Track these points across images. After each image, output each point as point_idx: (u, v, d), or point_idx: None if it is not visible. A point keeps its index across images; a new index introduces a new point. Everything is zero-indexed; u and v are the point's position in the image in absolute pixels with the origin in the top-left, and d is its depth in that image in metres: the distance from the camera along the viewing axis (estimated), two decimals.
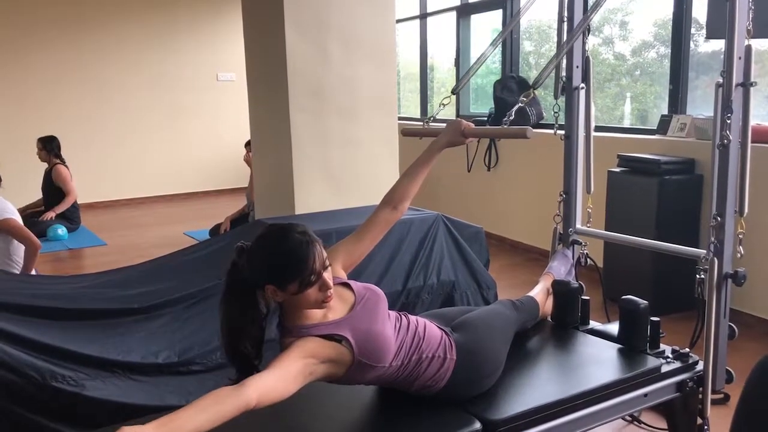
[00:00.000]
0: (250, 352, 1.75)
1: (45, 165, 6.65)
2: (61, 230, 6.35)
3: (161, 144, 8.67)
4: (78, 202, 6.73)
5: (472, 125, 2.24)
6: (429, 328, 2.02)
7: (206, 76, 8.84)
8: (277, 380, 1.66)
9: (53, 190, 6.55)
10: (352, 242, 2.09)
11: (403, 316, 2.02)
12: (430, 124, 2.74)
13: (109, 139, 8.35)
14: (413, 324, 2.00)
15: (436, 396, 2.01)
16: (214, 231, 5.89)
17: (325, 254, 1.78)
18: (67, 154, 6.78)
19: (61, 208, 6.48)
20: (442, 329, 2.07)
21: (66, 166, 6.61)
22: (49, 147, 6.60)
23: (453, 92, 2.81)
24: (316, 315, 1.83)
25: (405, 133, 2.81)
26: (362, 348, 1.82)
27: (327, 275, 1.77)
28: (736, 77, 2.29)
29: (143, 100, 8.49)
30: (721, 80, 2.34)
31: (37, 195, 6.82)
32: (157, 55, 8.52)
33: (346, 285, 1.97)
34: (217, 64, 8.85)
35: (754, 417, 1.46)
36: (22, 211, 5.47)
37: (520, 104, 2.40)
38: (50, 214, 6.41)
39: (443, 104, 2.70)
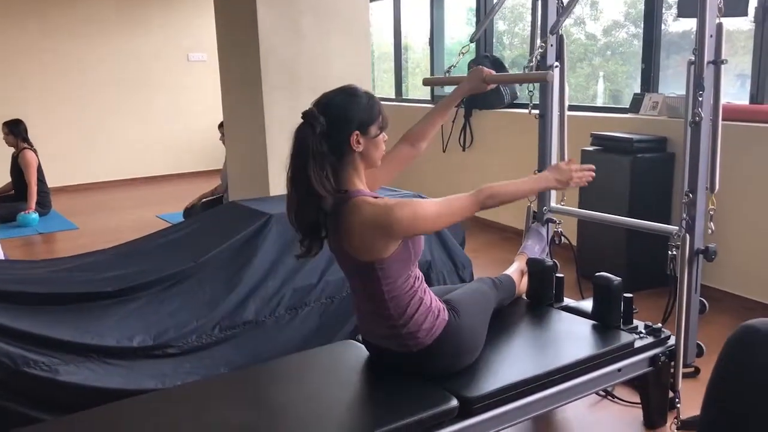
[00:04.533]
0: (322, 219, 1.92)
1: (12, 149, 6.52)
2: (33, 216, 6.23)
3: (133, 126, 8.54)
4: (48, 186, 6.61)
5: (493, 72, 2.42)
6: (428, 288, 2.09)
7: (177, 56, 8.71)
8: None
9: (22, 174, 6.43)
10: (369, 174, 2.12)
11: None
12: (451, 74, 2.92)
13: (80, 122, 8.20)
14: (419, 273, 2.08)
15: (417, 363, 2.02)
16: (188, 212, 5.83)
17: None
18: (35, 137, 6.64)
19: (31, 201, 6.34)
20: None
21: (34, 151, 6.48)
22: (16, 131, 6.46)
23: (471, 41, 2.97)
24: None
25: (426, 82, 3.05)
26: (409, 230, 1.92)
27: None
28: (708, 55, 2.32)
29: (113, 82, 8.34)
30: (693, 58, 2.36)
31: (5, 179, 6.70)
32: (128, 37, 8.36)
33: None
34: (188, 44, 8.71)
35: (728, 387, 1.49)
36: None
37: (540, 49, 2.79)
38: (31, 208, 6.29)
39: (462, 52, 2.88)
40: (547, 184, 2.22)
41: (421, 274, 2.07)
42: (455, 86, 2.51)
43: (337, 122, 1.89)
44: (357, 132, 1.90)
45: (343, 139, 1.90)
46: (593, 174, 2.26)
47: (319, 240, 1.98)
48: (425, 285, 2.06)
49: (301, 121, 1.90)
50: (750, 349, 1.47)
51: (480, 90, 2.46)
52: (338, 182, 1.92)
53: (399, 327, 1.98)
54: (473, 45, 5.79)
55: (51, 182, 6.77)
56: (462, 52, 2.87)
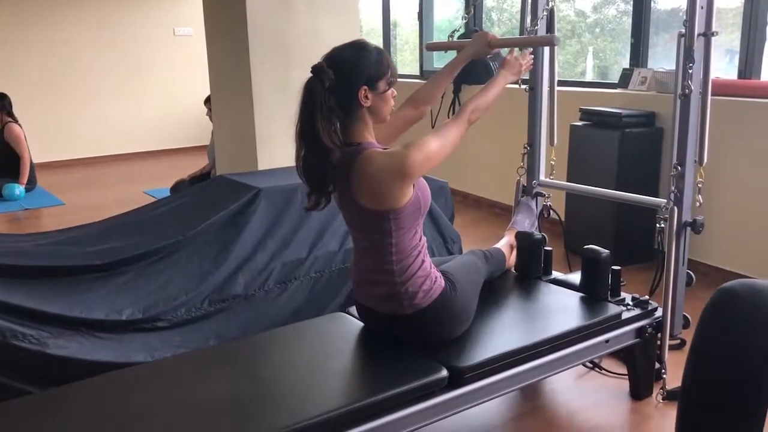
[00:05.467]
0: (329, 172, 1.92)
1: None
2: (18, 190, 6.18)
3: (118, 102, 8.45)
4: (33, 162, 6.54)
5: (498, 36, 2.43)
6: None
7: (163, 31, 8.60)
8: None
9: (6, 149, 6.35)
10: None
11: None
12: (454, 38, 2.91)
13: (64, 97, 8.10)
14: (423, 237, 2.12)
15: (409, 326, 2.03)
16: (176, 189, 5.78)
17: None
18: (20, 112, 6.56)
19: (24, 175, 6.29)
20: None
21: (19, 125, 6.40)
22: (1, 105, 6.38)
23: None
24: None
25: (429, 47, 3.08)
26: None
27: None
28: (698, 27, 2.31)
29: (98, 56, 8.23)
30: (683, 30, 2.36)
31: None
32: (112, 10, 8.23)
33: None
34: (173, 18, 8.61)
35: (708, 347, 1.51)
36: None
37: (545, 12, 2.84)
38: (23, 183, 6.25)
39: (465, 18, 3.07)
40: (506, 80, 2.32)
41: (424, 237, 2.09)
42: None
43: (346, 77, 1.91)
44: (365, 87, 1.92)
45: (352, 93, 1.92)
46: (531, 57, 2.48)
47: (327, 194, 2.00)
48: (426, 250, 2.08)
49: (310, 75, 1.91)
50: (728, 310, 1.49)
51: (484, 54, 2.48)
52: (347, 136, 1.94)
53: (398, 285, 1.99)
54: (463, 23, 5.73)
55: (36, 158, 6.71)
56: (464, 17, 2.85)
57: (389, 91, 1.99)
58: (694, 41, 2.31)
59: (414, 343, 2.04)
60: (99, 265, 2.56)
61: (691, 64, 2.33)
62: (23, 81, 7.69)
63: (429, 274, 2.03)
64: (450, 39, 2.92)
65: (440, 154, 1.98)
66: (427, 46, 3.14)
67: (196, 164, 6.10)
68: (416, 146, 1.90)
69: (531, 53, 2.52)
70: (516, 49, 2.46)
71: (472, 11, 5.17)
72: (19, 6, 7.71)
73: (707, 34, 2.33)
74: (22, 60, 7.79)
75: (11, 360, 2.22)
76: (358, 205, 1.96)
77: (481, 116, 2.15)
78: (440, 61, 6.75)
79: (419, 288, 2.00)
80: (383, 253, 1.99)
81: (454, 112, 5.73)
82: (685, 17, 2.35)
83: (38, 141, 7.07)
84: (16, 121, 6.41)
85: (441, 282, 2.06)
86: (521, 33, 2.98)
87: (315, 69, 1.90)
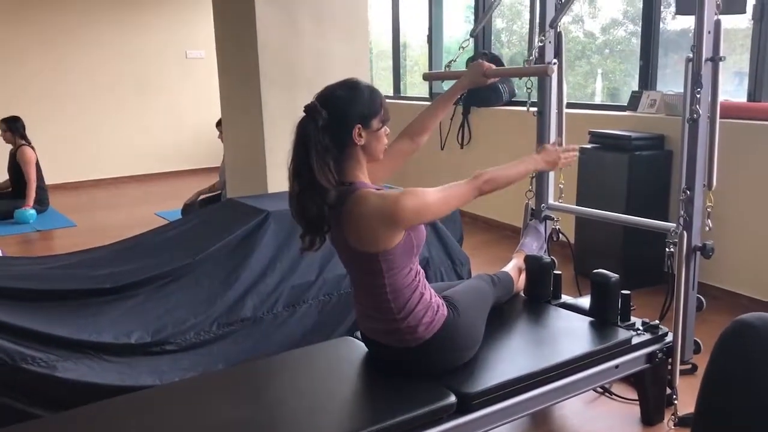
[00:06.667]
0: (325, 213, 1.90)
1: (9, 146, 6.50)
2: (30, 214, 6.22)
3: (131, 123, 8.52)
4: (46, 183, 6.60)
5: (493, 66, 2.42)
6: (428, 284, 2.09)
7: (175, 53, 8.69)
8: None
9: (19, 171, 6.41)
10: (368, 169, 2.11)
11: None
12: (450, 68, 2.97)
13: (78, 119, 8.18)
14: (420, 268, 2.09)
15: (415, 358, 2.01)
16: (186, 210, 5.82)
17: None
18: (33, 134, 6.63)
19: (30, 197, 6.33)
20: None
21: (32, 148, 6.47)
22: (14, 127, 6.45)
23: (471, 35, 3.03)
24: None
25: (426, 77, 3.09)
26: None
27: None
28: (706, 52, 2.32)
29: (111, 79, 8.32)
30: (691, 55, 2.36)
31: (3, 176, 6.68)
32: (125, 32, 8.34)
33: None
34: (185, 41, 8.70)
35: (721, 381, 1.49)
36: None
37: (539, 43, 2.85)
38: (29, 204, 6.28)
39: (463, 47, 2.92)
40: (536, 166, 2.29)
41: (421, 269, 2.07)
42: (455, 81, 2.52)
43: (339, 116, 1.90)
44: (359, 125, 1.92)
45: (345, 132, 1.91)
46: (577, 153, 2.37)
47: (322, 234, 1.98)
48: (425, 280, 2.06)
49: (303, 114, 1.90)
50: (743, 344, 1.47)
51: (480, 84, 2.47)
52: (341, 175, 1.93)
53: (398, 321, 1.97)
54: (472, 42, 5.79)
55: (49, 179, 6.76)
56: (462, 47, 2.88)
57: (382, 129, 1.99)
58: (701, 66, 2.31)
59: (421, 372, 2.03)
60: (108, 288, 2.57)
61: (699, 89, 2.33)
62: (36, 103, 7.77)
63: (429, 305, 2.01)
64: (447, 69, 2.94)
65: (437, 211, 1.97)
66: (424, 76, 3.17)
67: (208, 185, 6.13)
68: (412, 195, 1.88)
69: (577, 149, 2.43)
70: (558, 138, 2.43)
71: (479, 28, 5.20)
72: (32, 28, 7.81)
73: (715, 59, 2.33)
74: (34, 81, 7.88)
75: (20, 383, 2.23)
76: (349, 245, 1.95)
77: (497, 190, 2.09)
78: (449, 83, 6.79)
79: (419, 321, 1.98)
80: (379, 292, 1.97)
81: (463, 136, 5.75)
82: (692, 42, 2.35)
83: (50, 162, 7.13)
84: (29, 144, 6.48)
85: (443, 311, 2.04)
86: (529, 55, 2.98)
87: (308, 108, 1.90)
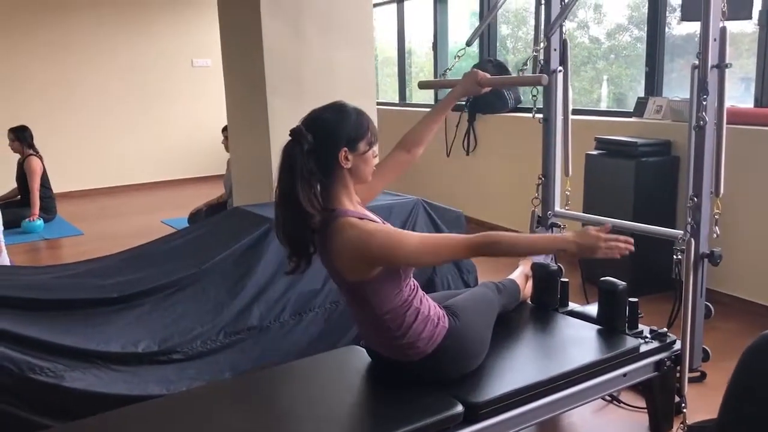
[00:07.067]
0: (309, 237, 1.89)
1: (18, 155, 6.53)
2: (37, 224, 6.24)
3: (137, 132, 8.56)
4: (53, 192, 6.63)
5: (488, 75, 2.38)
6: (426, 295, 2.07)
7: (181, 62, 8.73)
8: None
9: (27, 180, 6.44)
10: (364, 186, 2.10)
11: None
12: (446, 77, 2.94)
13: (84, 128, 8.22)
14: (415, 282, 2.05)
15: (420, 370, 2.01)
16: (193, 218, 5.83)
17: None
18: (40, 143, 6.66)
19: (35, 206, 6.35)
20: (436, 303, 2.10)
21: (40, 157, 6.50)
22: (22, 137, 6.48)
23: (467, 44, 2.97)
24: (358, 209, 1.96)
25: (422, 85, 3.03)
26: None
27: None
28: (712, 59, 2.31)
29: (117, 87, 8.37)
30: (697, 62, 2.36)
31: (11, 185, 6.71)
32: (132, 42, 8.39)
33: None
34: (192, 49, 8.73)
35: (745, 395, 1.48)
36: None
37: (535, 53, 2.88)
38: (35, 215, 6.30)
39: (458, 56, 2.86)
40: (566, 247, 1.89)
41: (415, 283, 2.04)
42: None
43: (325, 139, 1.88)
44: (345, 149, 1.89)
45: (332, 156, 1.88)
46: (632, 247, 1.90)
47: (308, 256, 1.95)
48: (421, 293, 2.04)
49: (289, 138, 1.88)
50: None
51: (474, 93, 2.45)
52: (327, 199, 1.90)
53: (397, 338, 1.96)
54: (476, 49, 5.78)
55: (56, 188, 6.79)
56: (458, 56, 2.86)
57: (370, 152, 1.95)
58: (707, 73, 2.31)
59: (428, 382, 2.01)
60: (115, 297, 2.57)
61: (705, 96, 2.32)
62: (43, 112, 7.81)
63: (428, 319, 1.99)
64: (442, 77, 2.94)
65: (418, 259, 1.89)
66: (419, 85, 3.11)
67: (214, 194, 6.15)
68: (385, 235, 1.85)
69: (631, 241, 1.93)
70: (607, 225, 1.95)
71: (476, 37, 5.21)
72: (40, 38, 7.87)
73: (721, 66, 2.33)
74: (42, 91, 7.93)
75: (28, 392, 2.24)
76: (335, 270, 1.94)
77: (501, 257, 1.93)
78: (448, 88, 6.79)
79: (419, 337, 1.97)
80: (373, 315, 1.96)
81: (469, 142, 5.75)
82: (698, 49, 2.35)
83: (58, 171, 7.15)
84: (37, 153, 6.51)
85: (444, 323, 2.02)
86: (534, 62, 2.98)
87: (294, 132, 1.88)
